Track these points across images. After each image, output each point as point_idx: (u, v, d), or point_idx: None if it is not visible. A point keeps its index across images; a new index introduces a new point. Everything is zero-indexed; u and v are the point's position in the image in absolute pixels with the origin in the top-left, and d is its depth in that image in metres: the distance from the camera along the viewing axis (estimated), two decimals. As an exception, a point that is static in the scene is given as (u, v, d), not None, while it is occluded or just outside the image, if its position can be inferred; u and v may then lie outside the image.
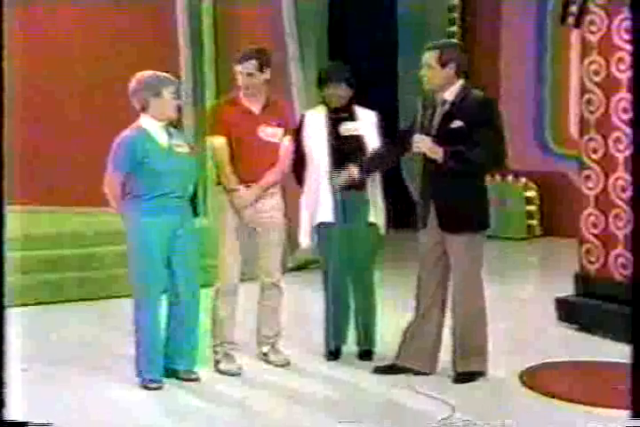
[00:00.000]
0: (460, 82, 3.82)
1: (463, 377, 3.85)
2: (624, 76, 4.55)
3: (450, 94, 3.78)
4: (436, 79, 3.78)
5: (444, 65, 3.76)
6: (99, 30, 7.25)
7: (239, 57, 4.08)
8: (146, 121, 3.83)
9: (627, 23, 4.51)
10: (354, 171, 3.99)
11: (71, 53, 7.36)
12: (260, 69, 4.03)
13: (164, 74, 3.87)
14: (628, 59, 4.51)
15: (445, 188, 3.79)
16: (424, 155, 3.79)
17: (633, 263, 2.60)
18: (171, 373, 3.91)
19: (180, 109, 3.92)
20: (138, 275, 3.83)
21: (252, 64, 4.01)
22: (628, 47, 4.51)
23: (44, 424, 2.81)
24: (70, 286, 5.75)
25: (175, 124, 3.97)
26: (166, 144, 3.83)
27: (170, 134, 3.87)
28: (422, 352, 3.94)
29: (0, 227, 2.42)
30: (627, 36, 4.52)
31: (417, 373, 3.93)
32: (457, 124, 3.73)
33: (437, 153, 3.71)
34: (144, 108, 3.82)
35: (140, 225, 3.78)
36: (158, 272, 3.81)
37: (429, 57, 3.79)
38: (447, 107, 3.77)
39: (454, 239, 3.81)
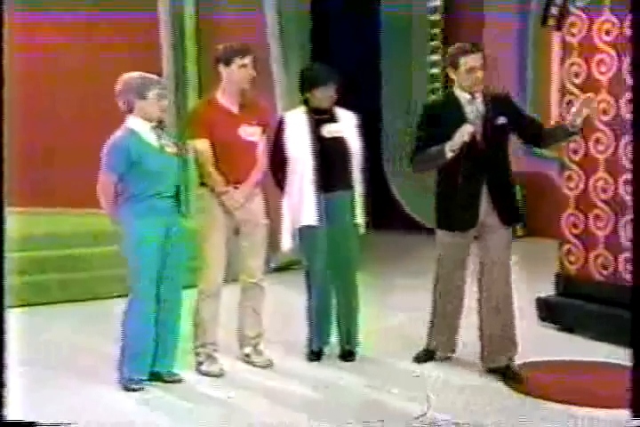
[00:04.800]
0: None
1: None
2: (604, 77, 4.55)
3: (479, 94, 3.79)
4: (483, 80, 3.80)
5: (484, 65, 3.79)
6: (83, 33, 7.19)
7: (242, 48, 4.01)
8: (134, 122, 3.80)
9: (607, 25, 4.53)
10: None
11: (59, 56, 7.28)
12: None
13: (150, 75, 3.84)
14: (608, 61, 4.53)
15: (502, 180, 3.80)
16: (471, 148, 3.67)
17: (633, 267, 2.60)
18: (153, 375, 3.87)
19: (166, 110, 3.87)
20: (134, 276, 3.80)
21: (252, 57, 3.99)
22: (608, 49, 4.52)
23: (53, 424, 2.75)
24: (55, 288, 5.68)
25: (162, 125, 3.92)
26: (157, 145, 3.81)
27: (158, 135, 3.85)
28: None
29: (0, 228, 2.38)
30: (607, 38, 4.54)
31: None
32: (502, 120, 3.74)
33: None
34: (130, 110, 3.79)
35: (134, 226, 3.75)
36: (153, 274, 3.78)
37: (480, 58, 3.75)
38: (481, 106, 3.76)
39: (501, 233, 3.83)
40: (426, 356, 4.17)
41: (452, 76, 3.83)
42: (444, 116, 3.79)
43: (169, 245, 3.81)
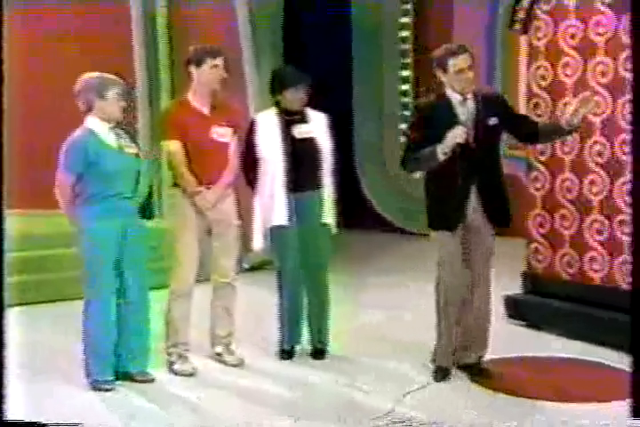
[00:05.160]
0: None
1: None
2: (570, 80, 4.63)
3: (470, 94, 3.76)
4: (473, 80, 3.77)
5: (473, 65, 3.75)
6: (55, 33, 7.13)
7: (213, 49, 4.04)
8: (93, 122, 3.79)
9: (572, 29, 4.60)
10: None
11: (56, 56, 7.18)
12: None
13: (110, 75, 3.84)
14: (573, 64, 4.60)
15: (493, 181, 3.78)
16: (462, 149, 3.63)
17: (632, 269, 2.58)
18: (124, 375, 3.87)
19: (125, 111, 3.85)
20: (89, 277, 3.80)
21: (223, 59, 4.01)
22: (573, 53, 4.60)
23: (57, 424, 2.73)
24: (29, 289, 5.64)
25: (124, 126, 3.92)
26: (116, 145, 3.81)
27: (118, 135, 3.84)
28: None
29: (0, 228, 2.36)
30: (572, 42, 4.60)
31: None
32: (493, 120, 3.72)
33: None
34: (89, 110, 3.79)
35: (90, 227, 3.74)
36: (109, 274, 3.79)
37: (470, 58, 3.71)
38: (472, 106, 3.73)
39: (486, 237, 3.82)
40: (444, 373, 3.91)
41: (442, 78, 3.75)
42: (435, 117, 3.74)
43: (127, 246, 3.81)
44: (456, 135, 3.58)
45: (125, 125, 3.98)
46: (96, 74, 3.82)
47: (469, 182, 3.72)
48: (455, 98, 3.74)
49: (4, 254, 2.35)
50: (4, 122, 2.36)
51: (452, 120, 3.67)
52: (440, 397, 3.72)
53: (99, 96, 3.74)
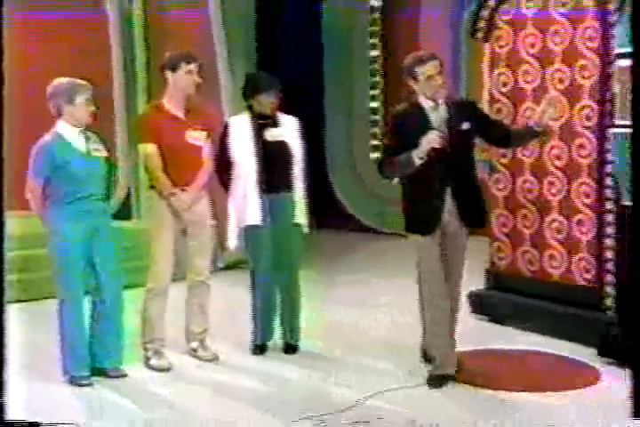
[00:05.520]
0: None
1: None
2: (530, 86, 4.70)
3: (442, 100, 3.75)
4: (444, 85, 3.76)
5: (442, 71, 3.75)
6: (34, 39, 7.07)
7: (188, 55, 4.06)
8: (62, 126, 3.81)
9: (531, 38, 4.66)
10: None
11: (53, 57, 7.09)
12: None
13: (79, 81, 3.84)
14: (532, 71, 4.67)
15: (467, 184, 3.77)
16: (436, 154, 3.62)
17: (631, 269, 2.56)
18: (98, 371, 3.88)
19: (96, 116, 3.85)
20: (60, 277, 3.81)
21: (197, 64, 4.03)
22: (533, 60, 4.66)
23: (56, 424, 2.70)
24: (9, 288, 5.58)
25: (91, 129, 3.91)
26: (84, 148, 3.82)
27: (87, 139, 3.85)
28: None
29: (0, 229, 2.33)
30: (531, 50, 4.66)
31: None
32: (465, 125, 3.70)
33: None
34: (59, 114, 3.79)
35: (61, 229, 3.76)
36: (79, 274, 3.80)
37: (438, 65, 3.70)
38: (444, 112, 3.73)
39: (461, 241, 3.80)
40: (441, 380, 3.77)
41: (413, 86, 3.73)
42: (409, 123, 3.73)
43: (98, 246, 3.82)
44: (430, 140, 3.59)
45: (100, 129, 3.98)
46: (66, 79, 3.82)
47: (445, 186, 3.71)
48: (427, 104, 3.73)
49: (4, 255, 2.32)
50: (4, 122, 2.33)
51: (426, 126, 3.68)
52: (408, 389, 3.73)
53: (68, 101, 3.75)
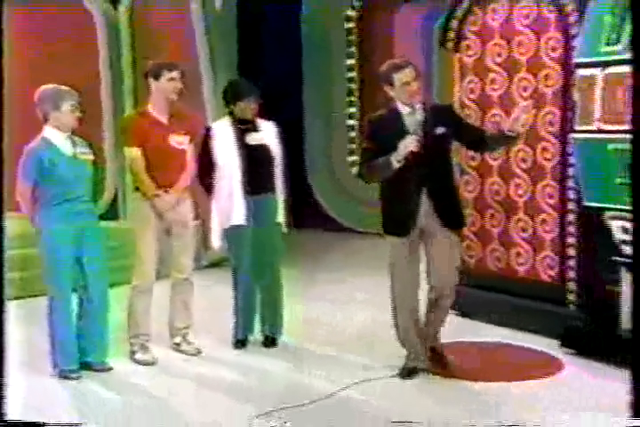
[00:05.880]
0: None
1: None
2: (496, 94, 4.79)
3: (419, 105, 3.76)
4: (419, 91, 3.77)
5: (417, 77, 3.76)
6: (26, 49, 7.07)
7: (170, 64, 4.13)
8: (49, 132, 3.86)
9: (497, 48, 4.74)
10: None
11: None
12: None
13: (65, 88, 3.88)
14: (499, 79, 4.76)
15: (442, 186, 3.76)
16: (413, 157, 3.64)
17: (633, 274, 2.50)
18: (85, 365, 3.93)
19: (82, 121, 3.90)
20: (50, 276, 3.86)
21: (179, 72, 4.10)
22: (499, 69, 4.75)
23: (58, 424, 2.71)
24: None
25: (79, 135, 3.95)
26: (71, 153, 3.86)
27: (74, 143, 3.90)
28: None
29: (0, 229, 2.34)
30: (498, 60, 4.74)
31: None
32: (440, 130, 3.70)
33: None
34: (46, 120, 3.84)
35: (50, 231, 3.81)
36: (68, 273, 3.85)
37: (413, 71, 3.72)
38: (421, 117, 3.73)
39: (443, 237, 3.76)
40: (411, 372, 3.86)
41: (390, 92, 3.75)
42: (386, 128, 3.75)
43: (86, 245, 3.87)
44: (407, 144, 3.61)
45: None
46: (52, 86, 3.87)
47: (421, 188, 3.72)
48: (404, 109, 3.73)
49: (4, 255, 2.34)
50: (3, 124, 2.35)
51: (402, 130, 3.70)
52: (385, 380, 3.78)
53: (54, 107, 3.80)
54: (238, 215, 4.23)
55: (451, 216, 3.81)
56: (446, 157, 3.85)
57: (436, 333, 4.01)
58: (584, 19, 4.02)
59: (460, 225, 3.95)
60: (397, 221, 3.79)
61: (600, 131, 3.73)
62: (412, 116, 3.73)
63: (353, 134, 8.28)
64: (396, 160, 3.63)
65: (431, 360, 3.93)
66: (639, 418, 2.47)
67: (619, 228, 3.82)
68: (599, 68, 3.71)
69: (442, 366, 3.94)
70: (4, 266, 2.41)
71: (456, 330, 4.64)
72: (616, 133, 3.64)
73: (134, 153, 4.09)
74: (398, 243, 3.78)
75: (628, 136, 3.52)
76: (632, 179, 2.49)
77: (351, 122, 8.28)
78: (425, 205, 3.73)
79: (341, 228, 8.25)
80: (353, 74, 8.17)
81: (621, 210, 3.73)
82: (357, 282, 6.01)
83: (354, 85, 8.19)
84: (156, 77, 4.10)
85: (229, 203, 4.23)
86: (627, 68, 3.52)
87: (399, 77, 3.70)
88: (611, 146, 3.68)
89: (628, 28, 3.60)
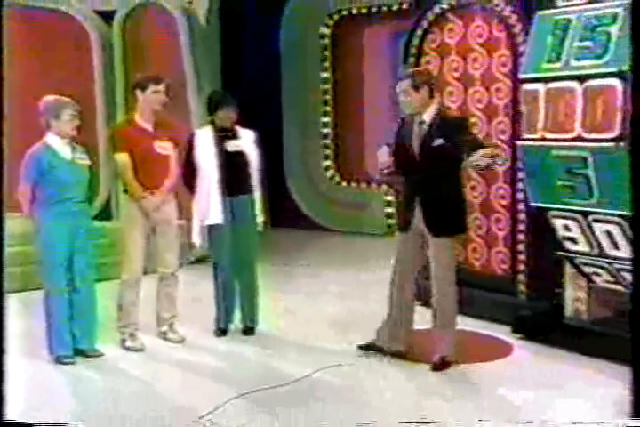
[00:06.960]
0: (435, 103, 3.76)
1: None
2: (454, 105, 4.83)
3: (428, 115, 3.67)
4: (414, 103, 3.67)
5: (417, 89, 3.66)
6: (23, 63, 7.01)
7: (156, 77, 4.15)
8: (51, 138, 3.90)
9: (454, 64, 4.80)
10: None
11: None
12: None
13: (65, 98, 3.93)
14: (456, 92, 4.82)
15: (435, 195, 3.66)
16: (409, 166, 3.64)
17: (634, 273, 2.46)
18: (77, 352, 3.94)
19: (80, 129, 3.92)
20: (46, 270, 3.88)
21: (165, 85, 4.13)
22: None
23: (52, 424, 2.71)
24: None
25: (77, 141, 3.98)
26: (69, 157, 3.89)
27: (73, 148, 3.93)
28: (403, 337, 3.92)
29: (0, 228, 2.33)
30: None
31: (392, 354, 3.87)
32: (438, 142, 3.60)
33: None
34: (48, 127, 3.88)
35: (46, 228, 3.83)
36: (62, 267, 3.87)
37: (404, 84, 3.68)
38: (426, 127, 3.66)
39: (435, 242, 3.70)
40: (368, 348, 3.94)
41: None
42: (398, 133, 3.75)
43: (78, 242, 3.89)
44: (378, 155, 3.65)
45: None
46: (52, 97, 3.92)
47: (415, 195, 3.69)
48: (415, 119, 3.69)
49: (4, 254, 2.34)
50: (3, 126, 2.36)
51: (403, 138, 3.69)
52: (360, 367, 3.79)
53: (55, 116, 3.84)
54: (215, 215, 4.26)
55: (439, 226, 3.69)
56: (445, 168, 3.66)
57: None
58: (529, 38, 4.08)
59: (445, 233, 3.72)
60: (399, 220, 3.88)
61: (544, 139, 3.79)
62: (421, 125, 3.67)
63: (327, 142, 8.34)
64: (379, 167, 3.65)
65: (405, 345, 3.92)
66: (639, 418, 2.38)
67: (561, 226, 3.89)
68: (542, 83, 3.77)
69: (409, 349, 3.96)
70: (4, 262, 2.41)
71: (420, 318, 4.70)
72: (558, 142, 3.70)
73: (123, 158, 4.11)
74: (399, 236, 3.83)
75: (568, 144, 3.65)
76: (632, 179, 2.39)
77: (325, 130, 8.34)
78: (418, 213, 3.70)
79: (316, 226, 8.28)
80: (327, 86, 8.23)
81: (563, 209, 3.80)
82: (330, 276, 6.03)
83: (328, 97, 8.25)
84: (143, 89, 4.12)
85: (208, 203, 4.26)
86: (566, 84, 3.61)
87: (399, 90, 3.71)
88: (553, 152, 3.74)
89: (575, 45, 3.62)
